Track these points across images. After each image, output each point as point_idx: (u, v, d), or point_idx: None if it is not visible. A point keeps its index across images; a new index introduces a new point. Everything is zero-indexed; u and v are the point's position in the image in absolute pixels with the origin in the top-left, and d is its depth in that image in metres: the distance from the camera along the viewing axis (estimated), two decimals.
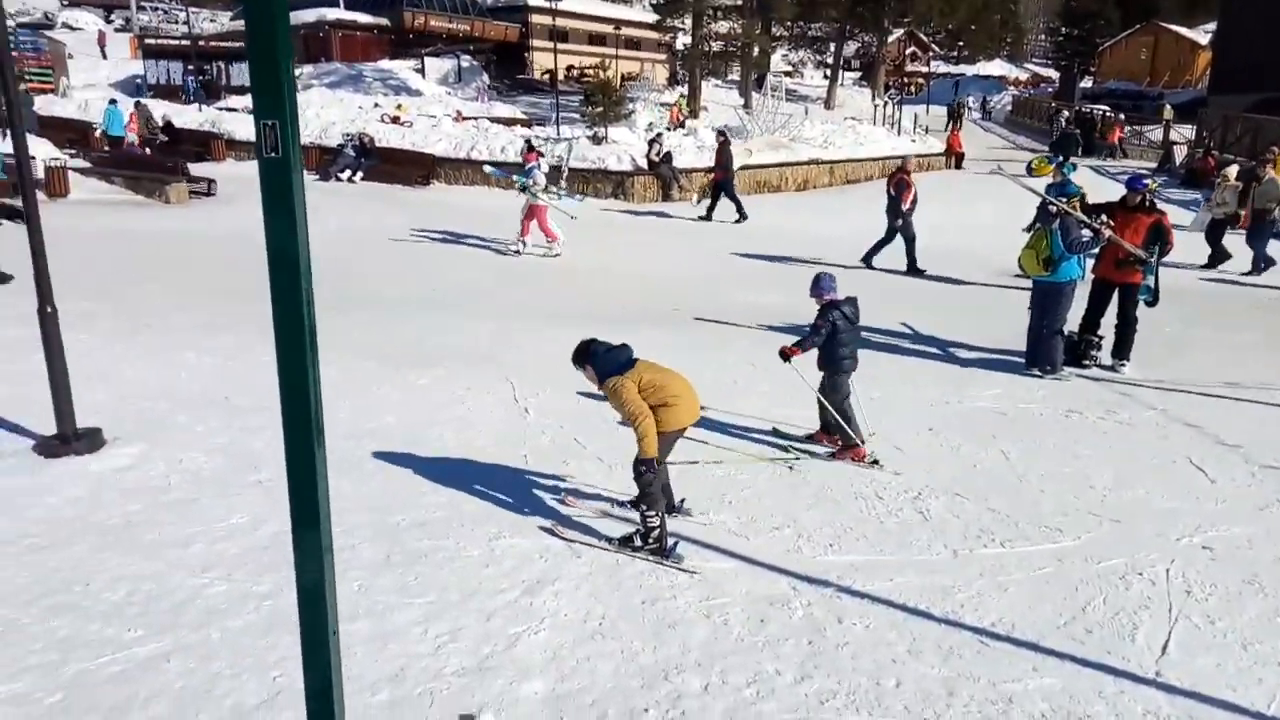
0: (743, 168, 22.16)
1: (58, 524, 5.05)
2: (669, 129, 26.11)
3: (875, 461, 6.38)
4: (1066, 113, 34.37)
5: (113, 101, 24.53)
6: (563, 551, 5.00)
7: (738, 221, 17.86)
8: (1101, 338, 8.87)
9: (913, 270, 13.53)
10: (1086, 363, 8.78)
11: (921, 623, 4.41)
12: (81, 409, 6.13)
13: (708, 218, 18.15)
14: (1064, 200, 8.61)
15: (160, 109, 25.80)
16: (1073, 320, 8.80)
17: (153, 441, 6.25)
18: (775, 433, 6.86)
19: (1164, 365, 8.82)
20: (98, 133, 23.22)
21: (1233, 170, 15.06)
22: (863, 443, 6.40)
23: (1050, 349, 8.38)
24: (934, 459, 6.50)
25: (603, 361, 4.89)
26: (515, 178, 14.86)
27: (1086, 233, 8.18)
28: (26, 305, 5.96)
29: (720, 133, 19.91)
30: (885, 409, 7.53)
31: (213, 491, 5.56)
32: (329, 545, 2.51)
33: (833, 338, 6.33)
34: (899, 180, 13.30)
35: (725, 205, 18.13)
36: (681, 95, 33.78)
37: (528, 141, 18.79)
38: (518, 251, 14.16)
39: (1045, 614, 4.49)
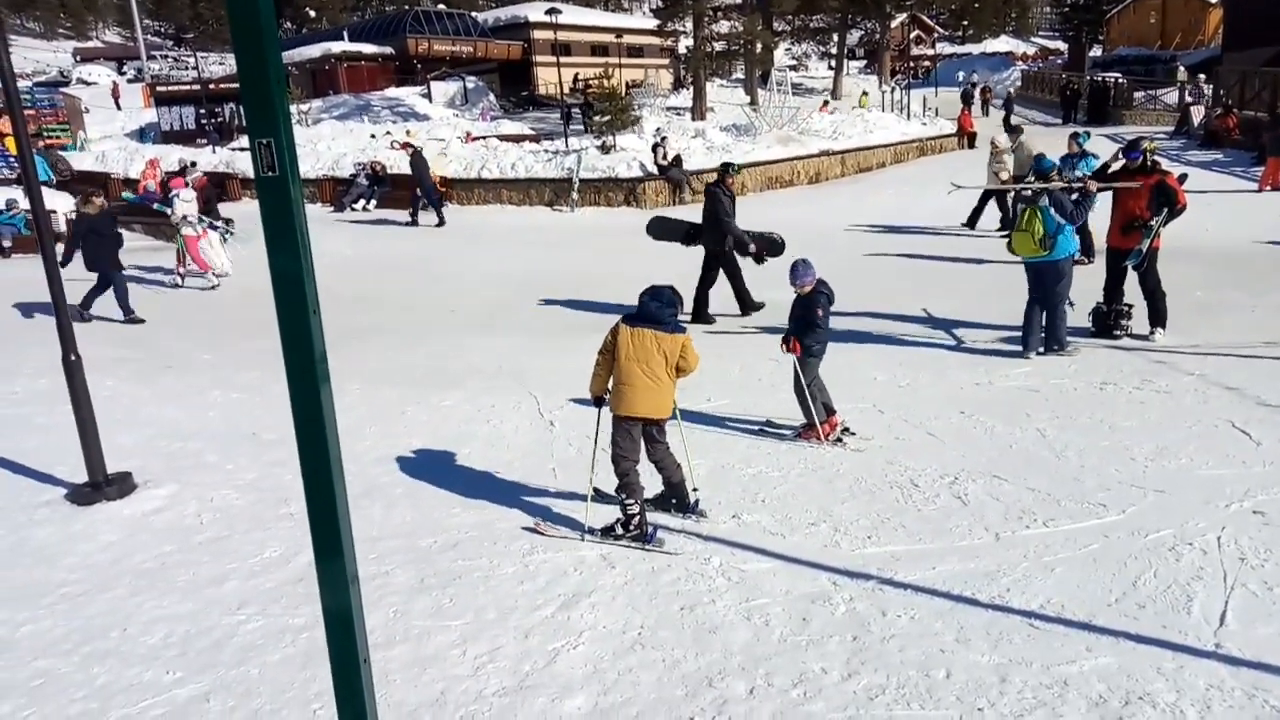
0: (752, 164, 22.08)
1: (93, 571, 5.08)
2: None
3: (839, 440, 6.43)
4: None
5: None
6: (597, 563, 4.94)
7: (439, 225, 18.43)
8: (1131, 306, 8.67)
9: None
10: (1117, 333, 8.59)
11: (968, 610, 4.30)
12: (112, 454, 6.18)
13: (414, 222, 19.01)
14: (1031, 180, 8.55)
15: (176, 153, 26.21)
16: (1096, 292, 8.65)
17: (183, 482, 6.29)
18: (769, 424, 6.88)
19: (1197, 331, 8.61)
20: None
21: (1003, 139, 15.22)
22: (822, 424, 6.42)
23: (1055, 327, 8.18)
24: (968, 442, 6.38)
25: (642, 303, 5.15)
26: (156, 206, 14.28)
27: (1075, 195, 8.02)
28: (56, 356, 6.03)
29: (408, 145, 20.43)
30: (914, 395, 7.42)
31: (245, 527, 5.57)
32: (354, 573, 2.47)
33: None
34: None
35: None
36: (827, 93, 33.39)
37: (186, 165, 17.39)
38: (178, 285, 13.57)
39: (1095, 592, 4.37)
